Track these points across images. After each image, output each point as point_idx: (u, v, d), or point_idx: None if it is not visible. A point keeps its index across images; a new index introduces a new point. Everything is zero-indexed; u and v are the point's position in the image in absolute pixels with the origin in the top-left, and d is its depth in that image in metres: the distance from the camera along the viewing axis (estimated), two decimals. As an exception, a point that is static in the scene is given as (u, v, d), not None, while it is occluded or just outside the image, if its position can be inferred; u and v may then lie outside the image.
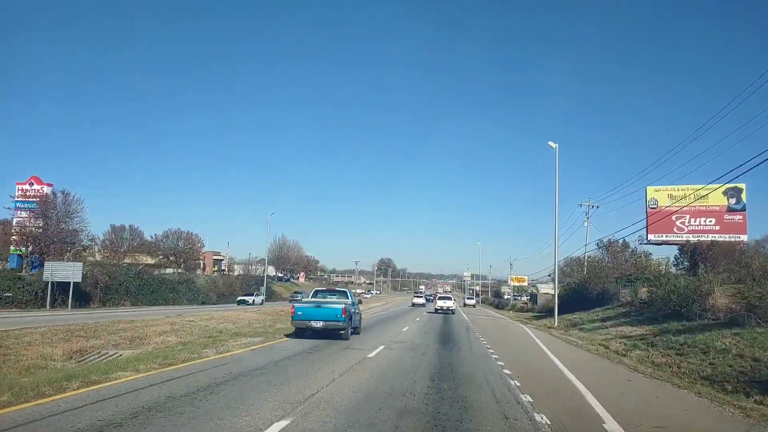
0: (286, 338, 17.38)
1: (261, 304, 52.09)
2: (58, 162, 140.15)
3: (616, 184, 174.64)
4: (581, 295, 42.86)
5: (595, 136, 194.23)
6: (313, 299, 19.27)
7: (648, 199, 58.02)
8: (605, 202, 55.79)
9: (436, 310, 44.65)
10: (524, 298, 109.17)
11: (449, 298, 49.01)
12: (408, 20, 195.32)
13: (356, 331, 19.62)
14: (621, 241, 56.56)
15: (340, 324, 17.08)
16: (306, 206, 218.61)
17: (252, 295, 55.67)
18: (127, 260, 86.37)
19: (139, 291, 44.80)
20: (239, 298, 54.27)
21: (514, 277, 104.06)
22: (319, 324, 16.90)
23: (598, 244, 58.78)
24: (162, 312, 32.55)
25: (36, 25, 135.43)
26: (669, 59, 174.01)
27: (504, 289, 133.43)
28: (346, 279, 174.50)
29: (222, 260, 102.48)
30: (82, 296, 38.83)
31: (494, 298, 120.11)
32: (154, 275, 49.96)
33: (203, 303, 51.89)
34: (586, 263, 52.13)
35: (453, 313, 44.13)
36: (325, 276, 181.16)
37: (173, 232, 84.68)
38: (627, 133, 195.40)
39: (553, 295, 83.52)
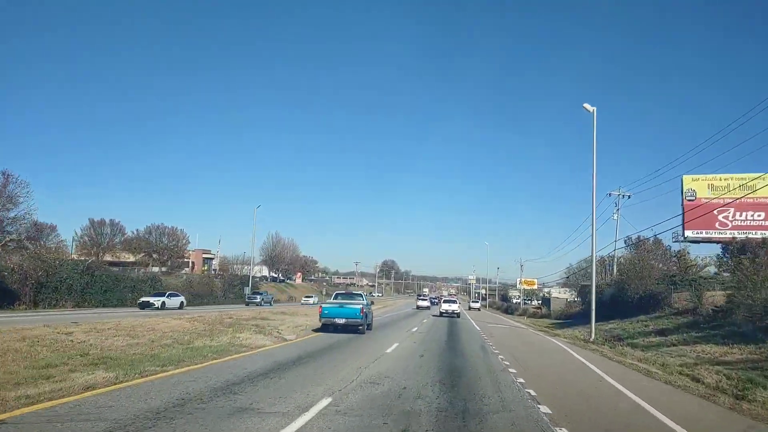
0: (154, 375, 9.37)
1: (180, 307, 39.28)
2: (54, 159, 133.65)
3: (645, 175, 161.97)
4: (615, 299, 34.81)
5: (620, 124, 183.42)
6: (335, 300, 22.05)
7: (684, 190, 49.62)
8: (634, 193, 47.39)
9: (441, 313, 42.91)
10: (535, 303, 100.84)
11: (454, 302, 46.36)
12: (407, 21, 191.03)
13: (369, 327, 22.17)
14: (652, 239, 48.53)
15: (359, 321, 19.90)
16: (307, 208, 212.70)
17: (162, 296, 39.35)
18: (107, 257, 79.29)
19: (86, 290, 37.00)
20: (142, 299, 38.51)
21: (525, 280, 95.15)
22: (342, 321, 19.74)
23: (626, 242, 50.80)
24: (83, 316, 24.82)
25: (32, 27, 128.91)
26: (693, 43, 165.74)
27: (512, 292, 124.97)
28: (348, 281, 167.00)
29: (213, 259, 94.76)
30: (6, 295, 31.18)
31: (502, 301, 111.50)
32: (111, 272, 42.11)
33: (170, 305, 44.07)
34: (616, 263, 44.02)
35: (458, 316, 41.96)
36: (327, 278, 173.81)
37: (156, 227, 76.99)
38: (656, 119, 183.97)
39: (569, 300, 75.33)
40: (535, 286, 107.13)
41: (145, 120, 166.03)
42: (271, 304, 54.51)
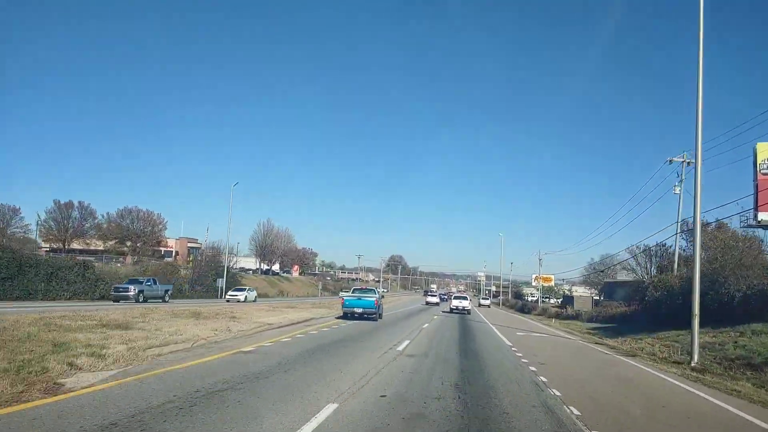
0: None
1: None
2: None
3: (708, 140, 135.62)
4: (689, 297, 24.10)
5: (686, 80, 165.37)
6: (354, 294, 25.79)
7: (759, 162, 38.45)
8: (704, 159, 35.99)
9: (452, 309, 42.14)
10: (553, 301, 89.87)
11: (465, 298, 45.09)
12: (414, 20, 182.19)
13: (381, 316, 26.13)
14: (713, 224, 37.69)
15: (373, 310, 24.18)
16: (314, 204, 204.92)
17: None
18: (75, 245, 69.68)
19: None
20: None
21: (542, 276, 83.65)
22: (359, 310, 23.78)
23: (681, 227, 39.92)
24: None
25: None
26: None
27: (526, 289, 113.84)
28: (354, 276, 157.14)
29: (198, 248, 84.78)
30: None
31: (515, 299, 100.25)
32: (19, 254, 32.02)
33: (102, 298, 34.00)
34: (684, 250, 33.29)
35: (469, 312, 40.83)
36: (331, 272, 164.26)
37: (128, 211, 66.95)
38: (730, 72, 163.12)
39: (596, 299, 64.06)
40: (552, 283, 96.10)
41: (148, 118, 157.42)
42: (165, 300, 35.16)
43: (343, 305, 24.09)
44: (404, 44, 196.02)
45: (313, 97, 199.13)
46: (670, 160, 35.25)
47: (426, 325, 24.09)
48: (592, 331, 32.38)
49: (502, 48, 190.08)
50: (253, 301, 44.49)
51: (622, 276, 69.93)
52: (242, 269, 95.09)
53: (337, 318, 24.15)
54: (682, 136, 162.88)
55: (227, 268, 53.79)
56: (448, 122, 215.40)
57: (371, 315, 23.92)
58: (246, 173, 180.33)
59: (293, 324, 19.44)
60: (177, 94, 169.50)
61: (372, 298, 24.53)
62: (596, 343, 21.37)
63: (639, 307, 32.04)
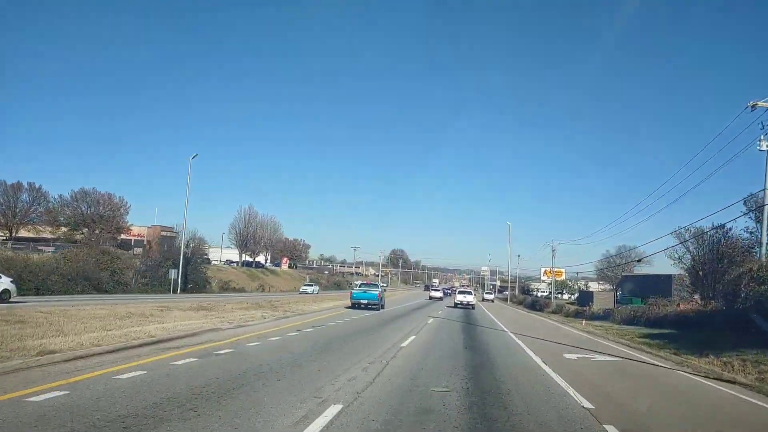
0: None
1: None
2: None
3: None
4: None
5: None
6: (361, 288, 30.98)
7: None
8: None
9: (456, 304, 41.70)
10: (566, 296, 79.98)
11: (470, 293, 44.73)
12: (423, 15, 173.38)
13: (383, 306, 30.03)
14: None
15: (377, 302, 28.69)
16: (317, 199, 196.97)
17: None
18: (24, 232, 60.32)
19: None
20: None
21: (552, 269, 72.86)
22: (365, 301, 28.40)
23: (746, 203, 30.02)
24: None
25: None
26: None
27: (534, 284, 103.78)
28: (354, 270, 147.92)
29: (174, 238, 75.25)
30: None
31: (524, 295, 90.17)
32: None
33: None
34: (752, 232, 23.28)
35: (473, 308, 40.24)
36: (330, 266, 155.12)
37: (83, 193, 56.90)
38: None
39: (614, 294, 53.90)
40: (563, 277, 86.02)
41: (130, 105, 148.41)
42: None
43: (351, 297, 28.97)
44: (406, 34, 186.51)
45: (314, 90, 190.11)
46: (753, 105, 25.13)
47: (411, 338, 14.27)
48: (649, 341, 22.33)
49: (509, 36, 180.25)
50: (9, 299, 21.56)
51: (640, 269, 60.77)
52: (228, 261, 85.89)
53: (274, 326, 14.50)
54: (691, 124, 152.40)
55: (183, 255, 44.03)
56: (453, 113, 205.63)
57: (375, 305, 28.54)
58: (247, 169, 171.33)
59: (128, 348, 9.64)
60: (171, 87, 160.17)
61: (375, 291, 29.91)
62: (719, 380, 11.46)
63: (722, 305, 22.12)
